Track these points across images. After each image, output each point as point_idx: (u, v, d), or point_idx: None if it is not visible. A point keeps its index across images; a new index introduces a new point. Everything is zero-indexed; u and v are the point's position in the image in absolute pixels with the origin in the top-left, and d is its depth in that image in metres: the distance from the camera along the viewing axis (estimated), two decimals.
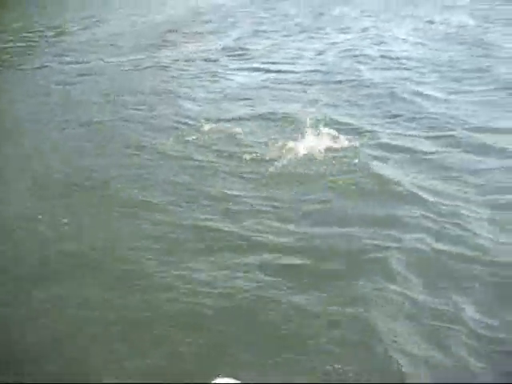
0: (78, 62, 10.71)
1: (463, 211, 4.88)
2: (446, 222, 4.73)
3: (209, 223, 4.97)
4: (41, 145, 7.06)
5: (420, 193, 5.22)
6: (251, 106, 7.92)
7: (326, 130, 6.55)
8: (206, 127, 7.10)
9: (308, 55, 10.42)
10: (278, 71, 9.53)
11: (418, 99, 7.62)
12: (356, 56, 10.00)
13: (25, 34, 13.29)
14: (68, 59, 11.00)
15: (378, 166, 5.77)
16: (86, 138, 7.14)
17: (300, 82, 8.79)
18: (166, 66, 10.21)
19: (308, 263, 4.31)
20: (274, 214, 5.05)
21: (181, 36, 12.41)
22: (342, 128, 6.69)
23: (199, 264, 4.38)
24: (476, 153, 5.99)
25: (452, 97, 7.74)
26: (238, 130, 6.99)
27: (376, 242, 4.50)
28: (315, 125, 6.58)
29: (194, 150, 6.54)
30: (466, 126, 6.64)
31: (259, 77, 9.34)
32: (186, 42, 11.84)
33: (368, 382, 3.21)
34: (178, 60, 10.57)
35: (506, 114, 7.01)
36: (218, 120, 7.37)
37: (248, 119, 7.42)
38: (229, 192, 5.51)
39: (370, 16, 13.60)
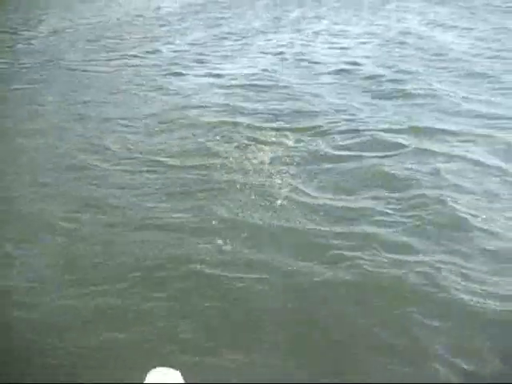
0: (14, 64, 10.21)
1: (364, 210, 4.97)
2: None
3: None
4: None
5: (324, 197, 5.26)
6: (192, 113, 7.65)
7: (253, 136, 6.60)
8: (147, 136, 6.88)
9: (259, 60, 10.25)
10: (225, 76, 9.33)
11: (346, 104, 7.67)
12: (303, 61, 9.99)
13: None
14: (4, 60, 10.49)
15: (287, 172, 5.79)
16: (17, 150, 6.69)
17: (241, 86, 8.68)
18: (114, 71, 9.86)
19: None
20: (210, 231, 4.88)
21: (132, 39, 12.04)
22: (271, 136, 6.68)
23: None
24: (387, 153, 6.09)
25: (372, 100, 7.84)
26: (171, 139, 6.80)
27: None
28: (242, 134, 6.53)
29: (133, 160, 6.29)
30: (382, 128, 6.71)
31: (205, 81, 9.15)
32: (137, 46, 11.49)
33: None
34: (125, 65, 10.21)
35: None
36: (158, 128, 7.15)
37: (182, 126, 7.17)
38: (165, 205, 5.32)
39: (324, 19, 13.57)
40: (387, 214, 4.93)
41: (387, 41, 11.09)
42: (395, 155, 6.06)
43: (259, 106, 7.75)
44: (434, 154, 6.01)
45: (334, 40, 11.43)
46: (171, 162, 6.18)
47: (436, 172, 5.60)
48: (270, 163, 5.97)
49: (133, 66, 10.05)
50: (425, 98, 7.69)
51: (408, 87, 8.15)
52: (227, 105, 7.90)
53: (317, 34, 12.03)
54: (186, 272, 4.28)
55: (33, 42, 12.06)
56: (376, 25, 12.61)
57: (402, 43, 10.80)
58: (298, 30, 12.43)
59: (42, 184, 5.83)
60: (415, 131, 6.61)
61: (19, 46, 11.74)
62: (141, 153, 6.45)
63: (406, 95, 7.87)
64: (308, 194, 5.35)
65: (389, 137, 6.48)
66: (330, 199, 5.25)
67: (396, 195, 5.23)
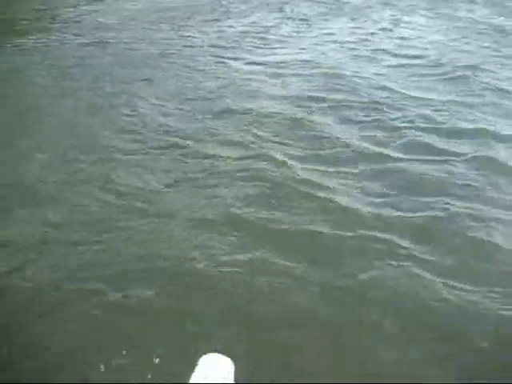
0: (78, 43, 10.63)
1: None
2: None
3: None
4: None
5: None
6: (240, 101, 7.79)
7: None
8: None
9: (316, 47, 10.13)
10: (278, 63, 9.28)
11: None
12: (365, 49, 9.93)
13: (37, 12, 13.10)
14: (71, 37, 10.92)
15: None
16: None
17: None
18: (172, 52, 9.98)
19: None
20: None
21: (184, 21, 12.14)
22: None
23: None
24: None
25: None
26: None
27: None
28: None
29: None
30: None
31: (250, 67, 9.17)
32: (190, 27, 11.60)
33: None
34: (178, 46, 10.32)
35: None
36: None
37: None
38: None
39: (388, 9, 13.04)
40: None
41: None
42: None
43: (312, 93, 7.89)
44: None
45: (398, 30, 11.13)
46: (202, 149, 6.44)
47: None
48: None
49: (191, 46, 10.20)
50: None
51: None
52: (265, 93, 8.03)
53: (377, 22, 11.67)
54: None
55: (100, 18, 12.39)
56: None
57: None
58: (355, 19, 12.08)
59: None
60: None
61: (86, 23, 12.09)
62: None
63: None
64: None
65: None
66: None
67: None
